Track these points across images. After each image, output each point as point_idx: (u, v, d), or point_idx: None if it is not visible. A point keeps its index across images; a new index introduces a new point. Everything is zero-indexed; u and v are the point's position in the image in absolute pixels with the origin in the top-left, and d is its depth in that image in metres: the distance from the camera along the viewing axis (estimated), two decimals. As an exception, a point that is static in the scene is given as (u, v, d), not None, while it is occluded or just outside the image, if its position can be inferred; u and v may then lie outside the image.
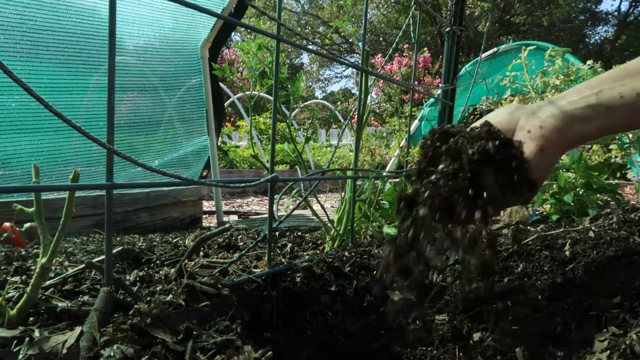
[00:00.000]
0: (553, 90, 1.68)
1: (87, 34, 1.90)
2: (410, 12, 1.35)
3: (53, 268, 0.77)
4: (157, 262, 0.91)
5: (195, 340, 0.55)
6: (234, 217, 2.83)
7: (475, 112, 4.33)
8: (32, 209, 0.62)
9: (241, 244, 1.25)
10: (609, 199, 1.42)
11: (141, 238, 1.45)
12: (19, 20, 1.69)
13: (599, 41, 21.26)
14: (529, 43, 3.05)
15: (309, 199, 1.19)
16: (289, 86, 1.08)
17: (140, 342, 0.52)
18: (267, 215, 0.85)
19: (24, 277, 0.76)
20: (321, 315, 0.85)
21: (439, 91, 1.55)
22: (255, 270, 0.86)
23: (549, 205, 1.50)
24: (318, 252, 1.14)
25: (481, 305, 0.83)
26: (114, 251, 0.84)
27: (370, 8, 21.48)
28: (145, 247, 1.04)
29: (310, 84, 26.94)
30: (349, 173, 1.14)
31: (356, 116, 1.19)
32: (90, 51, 1.94)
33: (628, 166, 4.13)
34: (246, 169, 5.64)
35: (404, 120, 4.57)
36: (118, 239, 1.43)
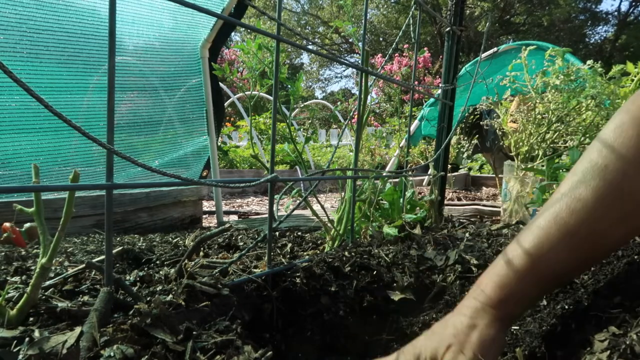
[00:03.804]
0: (553, 90, 1.68)
1: (87, 34, 1.90)
2: (410, 12, 1.35)
3: (53, 268, 0.77)
4: (157, 262, 0.91)
5: (195, 340, 0.55)
6: (234, 217, 2.82)
7: (475, 112, 4.33)
8: (32, 209, 0.62)
9: (241, 244, 1.25)
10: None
11: (141, 238, 1.45)
12: (18, 20, 1.69)
13: (599, 41, 21.27)
14: (529, 43, 3.05)
15: (309, 199, 1.19)
16: (289, 86, 1.08)
17: (140, 342, 0.52)
18: (267, 215, 0.85)
19: (24, 277, 0.76)
20: (321, 315, 0.85)
21: (439, 91, 1.55)
22: (255, 270, 0.86)
23: (549, 205, 1.50)
24: (318, 252, 1.14)
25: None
26: (114, 251, 0.84)
27: (370, 8, 21.47)
28: (145, 247, 1.04)
29: (310, 84, 26.95)
30: (349, 173, 1.14)
31: (356, 116, 1.19)
32: (90, 51, 1.93)
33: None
34: (246, 169, 5.64)
35: (404, 120, 4.57)
36: (118, 239, 1.43)
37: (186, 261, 0.82)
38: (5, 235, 1.17)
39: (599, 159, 0.58)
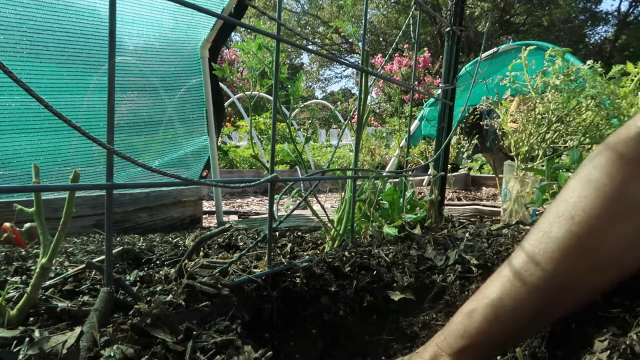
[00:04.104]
0: (553, 90, 1.68)
1: (87, 34, 1.90)
2: (410, 12, 1.35)
3: (53, 268, 0.77)
4: (157, 262, 0.91)
5: (195, 340, 0.55)
6: (234, 217, 2.82)
7: (475, 112, 4.33)
8: (32, 209, 0.62)
9: (241, 244, 1.25)
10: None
11: (141, 238, 1.45)
12: (18, 20, 1.69)
13: (599, 41, 21.28)
14: (529, 43, 3.05)
15: (309, 199, 1.19)
16: (289, 86, 1.08)
17: (140, 342, 0.52)
18: (267, 215, 0.85)
19: (24, 277, 0.76)
20: (321, 315, 0.85)
21: (439, 91, 1.55)
22: (255, 270, 0.86)
23: (549, 205, 1.50)
24: (318, 252, 1.14)
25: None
26: (114, 251, 0.84)
27: (370, 8, 21.48)
28: (145, 247, 1.04)
29: (310, 84, 26.98)
30: (349, 173, 1.14)
31: (356, 116, 1.19)
32: (90, 51, 1.93)
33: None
34: (246, 169, 5.64)
35: (404, 120, 4.57)
36: (118, 239, 1.43)
37: (186, 261, 0.82)
38: (5, 235, 1.17)
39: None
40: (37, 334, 0.51)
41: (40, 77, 1.82)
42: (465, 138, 5.32)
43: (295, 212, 1.20)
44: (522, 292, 0.56)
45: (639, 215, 0.52)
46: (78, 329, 0.52)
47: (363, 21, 1.10)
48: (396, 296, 0.90)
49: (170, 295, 0.65)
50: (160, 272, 0.77)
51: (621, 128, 0.58)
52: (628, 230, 0.53)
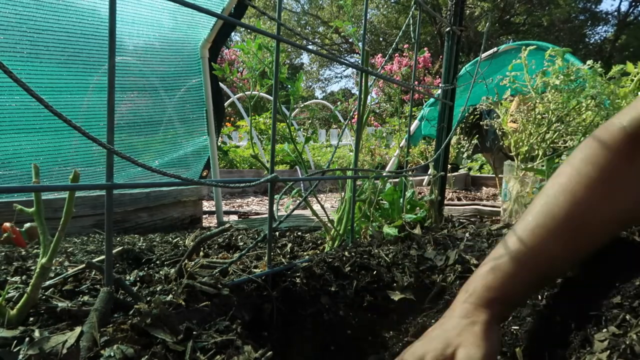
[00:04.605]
0: (553, 90, 1.68)
1: (87, 34, 1.90)
2: (410, 12, 1.35)
3: (53, 268, 0.77)
4: (157, 262, 0.91)
5: (195, 340, 0.55)
6: (234, 217, 2.82)
7: (475, 112, 4.33)
8: (32, 209, 0.62)
9: (241, 244, 1.25)
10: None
11: (141, 238, 1.45)
12: (18, 20, 1.69)
13: (599, 41, 21.29)
14: (529, 43, 3.05)
15: (309, 199, 1.19)
16: (289, 86, 1.08)
17: (140, 342, 0.52)
18: (267, 215, 0.85)
19: (24, 277, 0.76)
20: (321, 315, 0.85)
21: (439, 91, 1.55)
22: (255, 270, 0.86)
23: (549, 205, 1.49)
24: (318, 252, 1.14)
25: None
26: (114, 251, 0.84)
27: (370, 8, 21.48)
28: (145, 247, 1.04)
29: (310, 84, 27.00)
30: (349, 173, 1.14)
31: (356, 116, 1.19)
32: (90, 51, 1.93)
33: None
34: (246, 169, 5.64)
35: (404, 120, 4.57)
36: (118, 239, 1.43)
37: (186, 261, 0.82)
38: (5, 235, 1.17)
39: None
40: (37, 334, 0.51)
41: (40, 77, 1.82)
42: (465, 138, 5.33)
43: (295, 212, 1.20)
44: (544, 237, 0.63)
45: (617, 198, 0.62)
46: (78, 329, 0.52)
47: (363, 21, 1.10)
48: (396, 296, 0.90)
49: (170, 295, 0.65)
50: (160, 272, 0.77)
51: (606, 122, 0.66)
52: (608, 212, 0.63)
